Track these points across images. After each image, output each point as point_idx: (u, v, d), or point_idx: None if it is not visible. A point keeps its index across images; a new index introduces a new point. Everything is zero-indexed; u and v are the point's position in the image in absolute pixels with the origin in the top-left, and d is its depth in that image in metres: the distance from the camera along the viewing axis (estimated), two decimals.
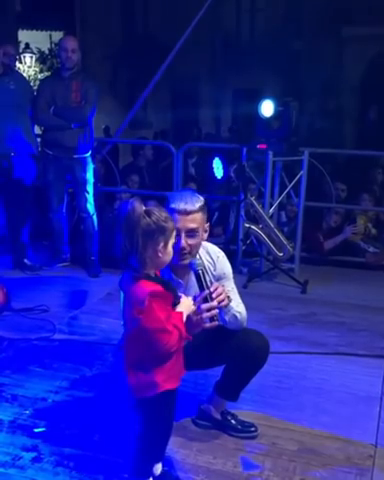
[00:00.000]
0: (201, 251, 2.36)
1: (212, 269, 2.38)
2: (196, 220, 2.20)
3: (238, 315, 2.34)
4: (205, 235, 2.32)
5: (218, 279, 2.38)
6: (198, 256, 2.31)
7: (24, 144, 4.53)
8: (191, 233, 2.20)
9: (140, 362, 1.88)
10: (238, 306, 2.35)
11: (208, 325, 2.07)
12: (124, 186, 5.89)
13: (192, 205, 2.19)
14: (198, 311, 2.03)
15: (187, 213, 2.17)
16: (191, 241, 2.21)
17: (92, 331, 3.62)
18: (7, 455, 2.34)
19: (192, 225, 2.19)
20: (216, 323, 2.08)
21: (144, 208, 1.83)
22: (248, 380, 2.45)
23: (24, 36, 13.24)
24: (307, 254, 5.22)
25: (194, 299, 2.04)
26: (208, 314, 2.06)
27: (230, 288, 2.39)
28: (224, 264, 2.41)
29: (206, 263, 2.37)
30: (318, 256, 5.23)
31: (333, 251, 5.24)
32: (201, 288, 2.09)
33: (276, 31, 11.82)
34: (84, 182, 4.70)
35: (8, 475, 2.22)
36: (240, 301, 2.41)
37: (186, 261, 2.20)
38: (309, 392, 2.92)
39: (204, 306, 2.05)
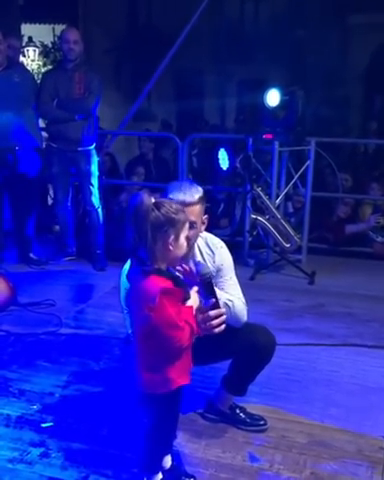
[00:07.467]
0: (200, 242, 2.33)
1: (211, 261, 2.34)
2: (194, 212, 2.15)
3: (232, 307, 2.27)
4: (202, 227, 2.28)
5: (217, 270, 2.34)
6: (204, 262, 2.26)
7: (29, 137, 4.50)
8: (189, 225, 2.11)
9: (153, 358, 1.85)
10: (232, 297, 2.28)
11: (217, 330, 2.04)
12: (135, 178, 5.87)
13: (191, 196, 2.14)
14: (207, 318, 1.99)
15: (186, 205, 2.09)
16: (188, 233, 2.15)
17: (99, 325, 3.61)
18: (15, 450, 2.32)
19: (190, 218, 2.10)
20: (223, 327, 2.05)
21: (154, 200, 1.79)
22: (255, 375, 2.43)
23: (27, 30, 13.14)
24: (318, 240, 5.16)
25: (204, 304, 1.99)
26: (217, 321, 2.02)
27: (228, 277, 2.35)
28: (224, 256, 2.37)
29: (205, 255, 2.34)
30: (335, 240, 5.17)
31: (343, 241, 5.18)
32: (208, 296, 2.01)
33: (280, 20, 11.68)
34: (89, 175, 4.68)
35: (16, 471, 2.21)
36: (240, 296, 2.34)
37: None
38: (318, 384, 2.90)
39: (212, 313, 2.01)
